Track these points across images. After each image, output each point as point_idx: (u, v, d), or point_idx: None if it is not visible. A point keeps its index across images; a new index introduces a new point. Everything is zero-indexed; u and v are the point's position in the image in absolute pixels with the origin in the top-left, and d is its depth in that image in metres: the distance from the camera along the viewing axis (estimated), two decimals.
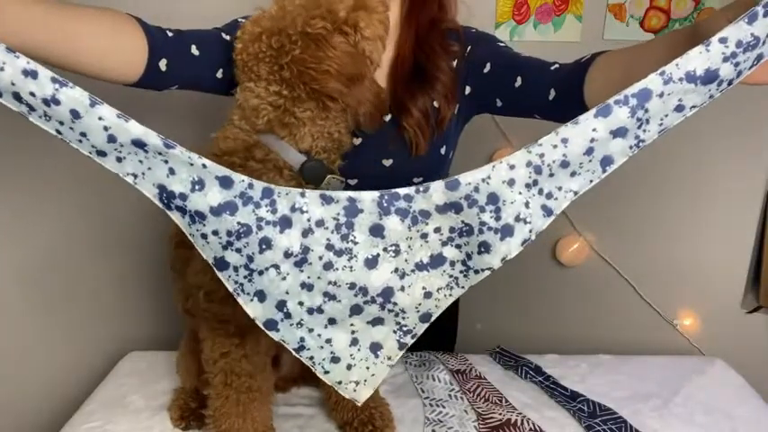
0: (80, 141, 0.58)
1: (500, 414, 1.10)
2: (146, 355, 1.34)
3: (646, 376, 1.26)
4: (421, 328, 0.61)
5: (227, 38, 0.95)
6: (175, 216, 0.62)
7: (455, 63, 1.06)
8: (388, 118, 1.00)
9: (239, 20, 1.00)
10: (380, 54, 0.89)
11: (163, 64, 0.84)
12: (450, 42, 1.06)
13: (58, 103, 0.55)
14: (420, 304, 0.58)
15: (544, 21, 1.59)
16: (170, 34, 0.89)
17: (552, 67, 0.89)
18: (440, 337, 1.40)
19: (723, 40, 0.55)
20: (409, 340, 0.62)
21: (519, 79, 0.93)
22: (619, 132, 0.55)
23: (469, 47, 1.07)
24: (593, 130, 0.54)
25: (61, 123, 0.57)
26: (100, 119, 0.56)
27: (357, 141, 1.00)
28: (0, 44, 0.56)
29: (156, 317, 1.66)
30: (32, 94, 0.55)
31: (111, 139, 0.57)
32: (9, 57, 0.55)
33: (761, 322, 1.68)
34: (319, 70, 0.80)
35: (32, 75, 0.55)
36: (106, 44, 0.74)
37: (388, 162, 1.05)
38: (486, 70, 1.02)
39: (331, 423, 1.09)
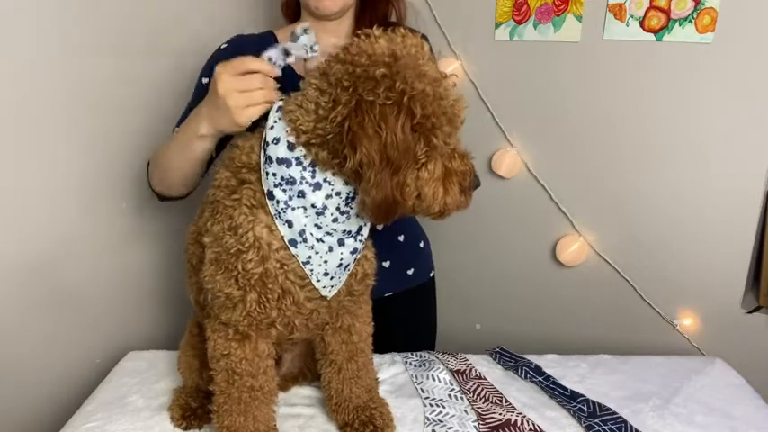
0: None
1: (500, 414, 1.10)
2: (146, 354, 1.34)
3: (646, 376, 1.26)
4: (360, 253, 0.97)
5: None
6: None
7: None
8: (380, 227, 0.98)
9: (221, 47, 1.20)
10: (426, 182, 0.83)
11: None
12: None
13: None
14: (366, 237, 0.97)
15: (544, 21, 1.59)
16: None
17: None
18: (420, 336, 1.43)
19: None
20: (358, 256, 0.96)
21: None
22: None
23: None
24: None
25: None
26: None
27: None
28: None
29: (157, 316, 1.66)
30: None
31: None
32: None
33: (761, 322, 1.68)
34: (371, 128, 0.76)
35: None
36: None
37: None
38: None
39: (331, 423, 1.09)
